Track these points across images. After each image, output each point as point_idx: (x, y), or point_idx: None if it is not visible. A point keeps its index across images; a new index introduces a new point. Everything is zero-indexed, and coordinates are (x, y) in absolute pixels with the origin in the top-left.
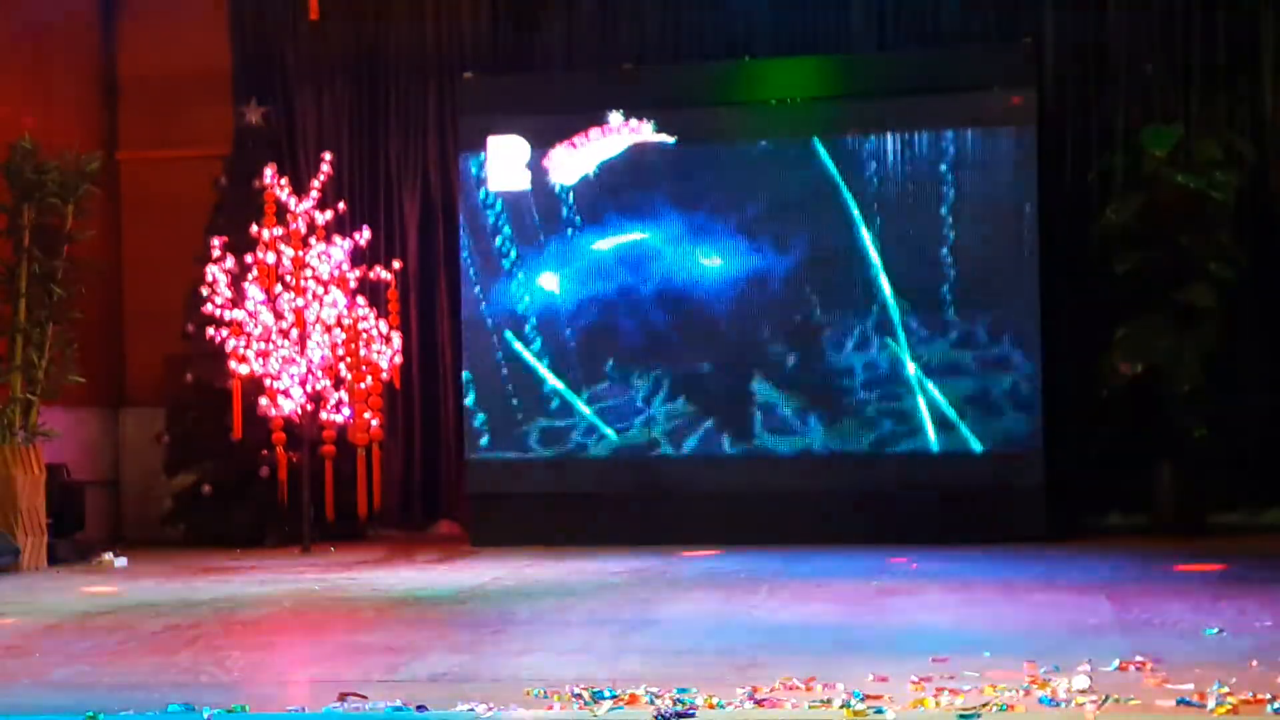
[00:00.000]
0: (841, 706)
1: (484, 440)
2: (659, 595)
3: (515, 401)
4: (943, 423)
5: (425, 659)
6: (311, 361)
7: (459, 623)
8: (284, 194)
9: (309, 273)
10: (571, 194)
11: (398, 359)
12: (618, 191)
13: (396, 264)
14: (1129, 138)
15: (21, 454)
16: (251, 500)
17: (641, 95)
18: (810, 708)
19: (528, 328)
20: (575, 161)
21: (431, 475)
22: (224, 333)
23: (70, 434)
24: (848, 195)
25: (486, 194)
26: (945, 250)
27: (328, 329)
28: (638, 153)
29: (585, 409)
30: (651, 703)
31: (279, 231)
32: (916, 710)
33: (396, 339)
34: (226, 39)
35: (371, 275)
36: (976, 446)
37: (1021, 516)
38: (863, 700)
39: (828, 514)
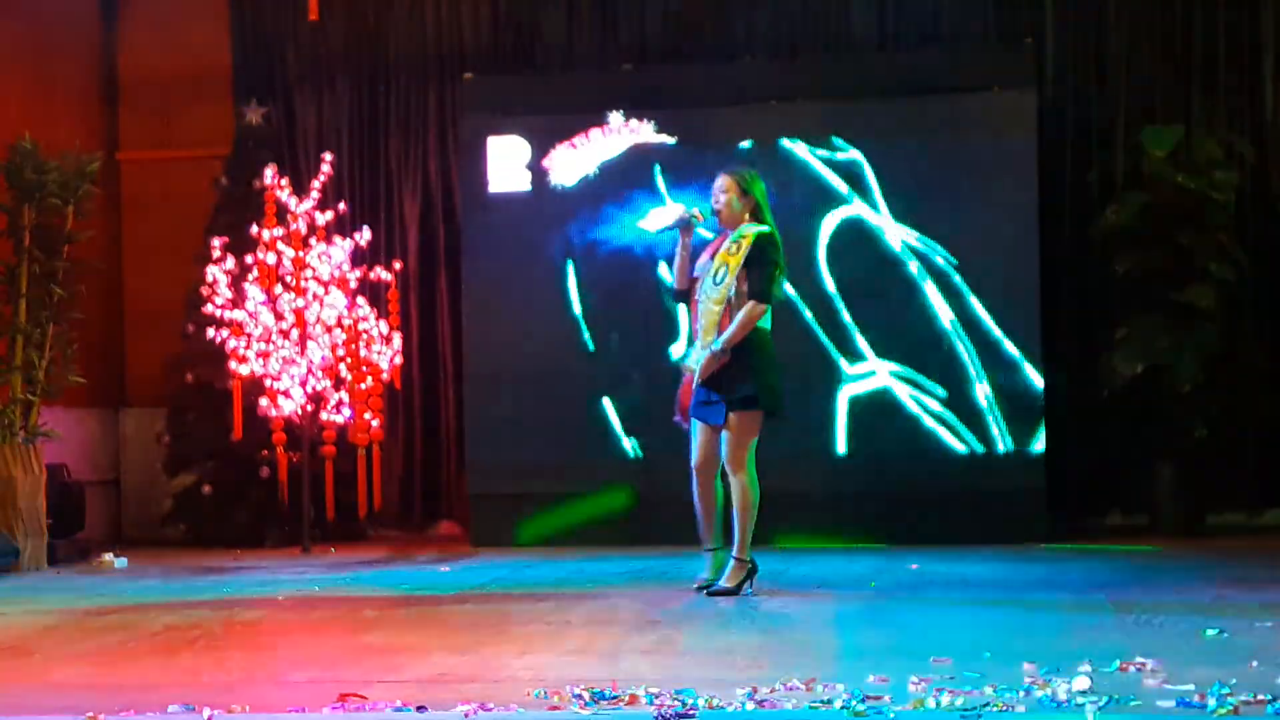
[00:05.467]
0: (842, 707)
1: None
2: (659, 595)
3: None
4: (942, 423)
5: (425, 659)
6: (312, 362)
7: (459, 623)
8: (284, 194)
9: (309, 273)
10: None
11: (398, 359)
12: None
13: (396, 264)
14: (1129, 138)
15: (21, 454)
16: (251, 500)
17: (641, 95)
18: (810, 708)
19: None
20: (576, 162)
21: (431, 475)
22: (224, 333)
23: (70, 434)
24: (846, 196)
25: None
26: (944, 251)
27: (328, 329)
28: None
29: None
30: (651, 703)
31: (279, 232)
32: (916, 710)
33: (397, 339)
34: (227, 39)
35: (372, 275)
36: (977, 447)
37: (1022, 517)
38: (863, 700)
39: (828, 514)
